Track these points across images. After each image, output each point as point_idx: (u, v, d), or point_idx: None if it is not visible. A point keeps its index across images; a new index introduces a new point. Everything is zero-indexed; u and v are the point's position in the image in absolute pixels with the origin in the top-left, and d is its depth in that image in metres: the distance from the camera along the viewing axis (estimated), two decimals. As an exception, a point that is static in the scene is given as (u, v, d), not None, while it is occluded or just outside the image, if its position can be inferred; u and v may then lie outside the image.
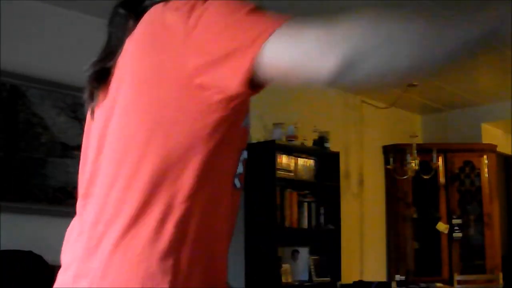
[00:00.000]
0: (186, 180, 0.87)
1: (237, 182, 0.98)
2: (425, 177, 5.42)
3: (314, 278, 4.96)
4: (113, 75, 1.05)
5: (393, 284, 4.75)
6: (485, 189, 5.96)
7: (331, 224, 5.12)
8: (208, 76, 0.85)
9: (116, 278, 0.85)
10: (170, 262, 0.85)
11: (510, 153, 6.81)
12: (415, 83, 5.46)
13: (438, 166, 5.69)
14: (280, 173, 4.78)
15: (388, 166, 5.66)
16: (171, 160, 0.87)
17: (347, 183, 5.71)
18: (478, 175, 6.01)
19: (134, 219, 0.86)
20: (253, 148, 4.79)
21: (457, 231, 5.84)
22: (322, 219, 5.15)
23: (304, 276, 4.96)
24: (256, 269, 4.68)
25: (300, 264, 4.96)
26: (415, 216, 6.01)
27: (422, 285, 4.98)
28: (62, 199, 3.69)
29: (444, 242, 5.86)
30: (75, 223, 1.10)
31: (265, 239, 4.64)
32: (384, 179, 6.15)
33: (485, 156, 6.01)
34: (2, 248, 3.25)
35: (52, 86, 3.74)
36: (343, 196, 5.40)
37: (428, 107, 6.50)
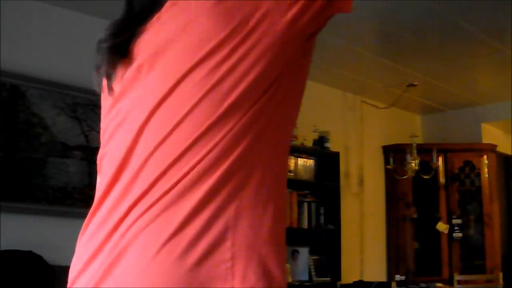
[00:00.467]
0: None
1: None
2: (425, 177, 5.42)
3: (314, 278, 4.96)
4: (141, 44, 0.92)
5: (393, 284, 4.75)
6: (485, 189, 5.96)
7: (331, 224, 5.12)
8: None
9: None
10: None
11: (510, 153, 6.81)
12: (415, 83, 5.47)
13: (438, 166, 5.69)
14: (280, 173, 4.77)
15: (388, 166, 5.66)
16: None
17: (347, 183, 5.71)
18: (478, 175, 6.01)
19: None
20: (253, 148, 4.79)
21: (457, 231, 5.84)
22: (322, 219, 5.15)
23: (304, 276, 4.96)
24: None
25: (300, 264, 4.97)
26: (415, 216, 6.01)
27: (422, 285, 4.98)
28: (62, 199, 3.69)
29: (444, 242, 5.86)
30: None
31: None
32: (384, 179, 6.15)
33: (485, 156, 6.01)
34: (2, 248, 3.25)
35: (52, 86, 3.74)
36: (343, 196, 5.40)
37: (428, 107, 6.50)
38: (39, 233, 3.55)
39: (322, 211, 5.16)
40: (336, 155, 5.30)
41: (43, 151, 3.67)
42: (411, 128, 6.42)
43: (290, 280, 4.81)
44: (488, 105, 6.31)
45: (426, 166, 5.39)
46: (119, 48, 0.95)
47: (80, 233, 0.93)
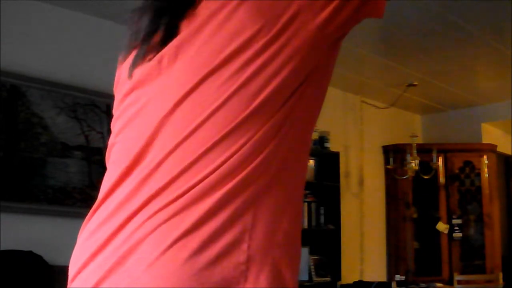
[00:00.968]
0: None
1: None
2: (425, 177, 5.42)
3: (314, 278, 4.96)
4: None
5: (393, 284, 4.75)
6: (485, 189, 5.96)
7: (331, 224, 5.12)
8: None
9: None
10: None
11: (510, 153, 6.81)
12: (415, 83, 5.47)
13: (438, 166, 5.69)
14: (280, 173, 4.77)
15: (388, 166, 5.66)
16: None
17: (347, 183, 5.71)
18: (478, 175, 6.01)
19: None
20: (253, 148, 4.79)
21: (457, 231, 5.84)
22: (322, 219, 5.16)
23: (304, 276, 4.96)
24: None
25: (300, 264, 4.96)
26: (415, 216, 6.01)
27: (422, 285, 4.98)
28: (62, 199, 3.69)
29: (444, 242, 5.85)
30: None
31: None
32: (384, 179, 6.15)
33: (485, 156, 6.01)
34: (2, 248, 3.25)
35: (52, 86, 3.74)
36: (343, 196, 5.40)
37: (428, 107, 6.50)
38: (39, 233, 3.55)
39: (322, 211, 5.16)
40: (336, 155, 5.30)
41: (43, 151, 3.67)
42: (411, 128, 6.42)
43: (290, 280, 4.81)
44: (488, 105, 6.31)
45: (426, 166, 5.39)
46: (168, 33, 0.88)
47: (84, 224, 0.90)
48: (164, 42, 0.87)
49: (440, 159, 5.83)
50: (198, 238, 0.76)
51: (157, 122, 0.83)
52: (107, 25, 4.09)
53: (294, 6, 0.81)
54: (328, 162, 5.27)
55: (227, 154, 0.78)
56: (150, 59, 0.88)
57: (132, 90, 0.92)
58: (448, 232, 5.85)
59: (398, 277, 5.07)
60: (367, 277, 5.44)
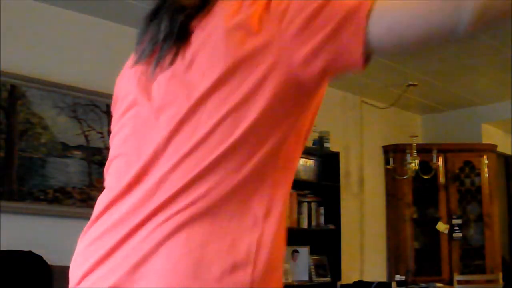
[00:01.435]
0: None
1: None
2: (425, 177, 5.41)
3: (314, 278, 4.96)
4: (194, 36, 0.93)
5: (393, 284, 4.75)
6: (485, 189, 5.96)
7: (331, 224, 5.12)
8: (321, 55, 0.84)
9: None
10: None
11: (510, 153, 6.80)
12: (415, 83, 5.47)
13: (438, 166, 5.69)
14: (280, 173, 4.77)
15: (388, 166, 5.66)
16: None
17: (347, 183, 5.71)
18: (478, 175, 6.01)
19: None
20: (253, 148, 4.79)
21: (457, 231, 5.84)
22: (322, 219, 5.15)
23: (304, 276, 4.96)
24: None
25: (300, 264, 4.96)
26: (415, 216, 6.01)
27: (422, 285, 4.98)
28: (62, 199, 3.69)
29: (444, 242, 5.85)
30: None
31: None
32: (384, 179, 6.15)
33: (485, 156, 6.00)
34: (2, 248, 3.25)
35: (52, 86, 3.74)
36: (343, 196, 5.40)
37: (428, 107, 6.50)
38: (39, 233, 3.55)
39: (322, 211, 5.16)
40: (336, 155, 5.30)
41: (43, 151, 3.67)
42: (411, 128, 6.42)
43: (290, 280, 4.81)
44: (488, 105, 6.31)
45: (426, 166, 5.39)
46: (181, 32, 0.94)
47: (84, 232, 0.93)
48: (171, 62, 0.93)
49: (440, 159, 5.83)
50: (208, 255, 0.81)
51: (160, 140, 0.88)
52: (107, 25, 4.09)
53: (276, 44, 0.85)
54: (328, 162, 5.26)
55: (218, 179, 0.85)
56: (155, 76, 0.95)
57: (133, 105, 0.97)
58: (448, 232, 5.85)
59: (398, 277, 5.07)
60: (367, 277, 5.44)
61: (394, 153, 5.68)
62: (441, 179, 5.94)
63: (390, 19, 0.80)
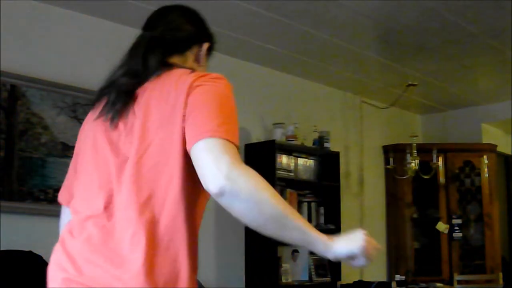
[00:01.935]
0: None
1: None
2: (425, 177, 5.41)
3: (314, 278, 4.96)
4: (139, 98, 1.39)
5: (393, 284, 4.75)
6: (485, 189, 5.96)
7: (331, 224, 5.12)
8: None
9: None
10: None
11: (510, 153, 6.81)
12: (415, 83, 5.47)
13: (438, 166, 5.69)
14: (280, 173, 4.78)
15: (388, 166, 5.65)
16: None
17: (347, 183, 5.71)
18: (478, 175, 6.01)
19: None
20: (253, 148, 4.79)
21: (457, 231, 5.84)
22: (322, 219, 5.15)
23: (304, 276, 4.96)
24: (256, 269, 4.68)
25: (300, 264, 4.96)
26: (415, 216, 6.01)
27: (422, 285, 4.98)
28: (62, 199, 3.69)
29: (444, 242, 5.85)
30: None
31: (265, 239, 4.62)
32: (384, 179, 6.15)
33: (485, 156, 6.00)
34: (2, 248, 3.25)
35: (52, 86, 3.74)
36: (343, 196, 5.39)
37: (428, 107, 6.50)
38: (39, 233, 3.54)
39: (322, 211, 5.16)
40: (336, 155, 5.30)
41: (43, 151, 3.67)
42: (411, 128, 6.41)
43: (290, 280, 4.81)
44: (488, 105, 6.31)
45: (426, 166, 5.39)
46: (127, 92, 1.43)
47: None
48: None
49: (440, 159, 5.83)
50: None
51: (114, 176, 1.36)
52: (107, 25, 4.09)
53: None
54: (328, 162, 5.26)
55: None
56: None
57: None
58: (448, 232, 5.85)
59: (398, 277, 5.07)
60: (367, 277, 5.44)
61: (394, 153, 5.68)
62: (441, 179, 5.94)
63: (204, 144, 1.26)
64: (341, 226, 5.18)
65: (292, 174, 4.95)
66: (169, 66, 1.41)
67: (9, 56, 3.56)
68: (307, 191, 5.09)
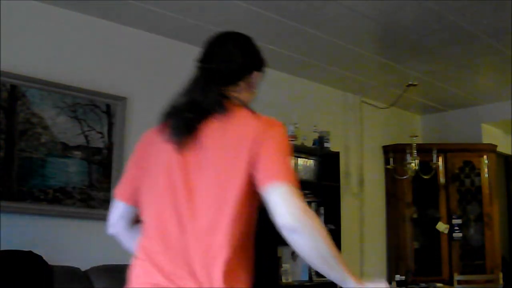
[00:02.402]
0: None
1: None
2: (425, 177, 5.41)
3: (314, 278, 4.96)
4: (206, 131, 1.54)
5: (393, 284, 4.75)
6: (485, 189, 5.96)
7: (331, 224, 5.12)
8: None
9: None
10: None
11: (510, 153, 6.81)
12: (415, 83, 5.47)
13: (438, 166, 5.69)
14: (280, 173, 4.77)
15: (388, 166, 5.66)
16: None
17: (347, 183, 5.71)
18: (478, 175, 6.01)
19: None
20: (253, 148, 4.79)
21: (457, 231, 5.84)
22: (322, 219, 5.15)
23: (304, 276, 4.96)
24: (256, 269, 4.67)
25: (300, 264, 4.97)
26: (415, 216, 6.01)
27: (422, 285, 4.98)
28: (62, 199, 3.69)
29: (444, 242, 5.86)
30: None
31: (265, 239, 4.63)
32: (384, 179, 6.15)
33: (485, 156, 6.00)
34: (2, 248, 3.25)
35: (52, 86, 3.74)
36: (343, 196, 5.40)
37: (428, 107, 6.50)
38: (39, 233, 3.55)
39: (322, 211, 5.16)
40: (336, 155, 5.30)
41: (43, 151, 3.67)
42: (411, 128, 6.42)
43: (290, 280, 4.81)
44: (488, 105, 6.31)
45: (426, 166, 5.39)
46: (190, 126, 1.56)
47: None
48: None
49: (440, 159, 5.83)
50: None
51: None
52: (107, 25, 4.09)
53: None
54: (328, 162, 5.26)
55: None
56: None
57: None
58: (448, 232, 5.85)
59: (398, 277, 5.07)
60: (367, 277, 5.43)
61: (394, 153, 5.68)
62: (441, 179, 5.94)
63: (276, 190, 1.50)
64: (341, 226, 5.17)
65: (292, 174, 4.94)
66: (227, 98, 1.60)
67: (9, 56, 3.56)
68: (307, 191, 5.09)
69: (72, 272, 3.35)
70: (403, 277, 5.07)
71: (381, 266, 5.99)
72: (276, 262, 4.67)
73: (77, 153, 3.82)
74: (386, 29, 4.31)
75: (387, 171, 5.97)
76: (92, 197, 3.77)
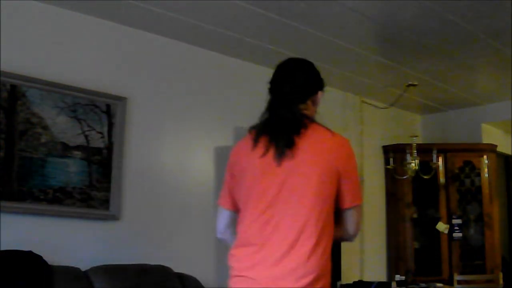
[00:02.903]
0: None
1: None
2: (425, 177, 5.41)
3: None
4: (297, 145, 1.88)
5: (393, 284, 4.75)
6: (485, 189, 5.96)
7: (331, 224, 5.12)
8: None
9: None
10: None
11: (510, 153, 6.81)
12: (415, 83, 5.47)
13: (438, 166, 5.69)
14: (280, 173, 4.77)
15: (388, 166, 5.66)
16: None
17: (347, 183, 5.70)
18: (478, 175, 6.01)
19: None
20: (253, 148, 4.79)
21: (457, 231, 5.84)
22: (322, 219, 5.15)
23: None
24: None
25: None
26: (415, 216, 6.01)
27: (422, 285, 4.98)
28: (62, 199, 3.69)
29: (444, 242, 5.85)
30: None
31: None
32: (384, 179, 6.15)
33: (485, 156, 6.00)
34: (2, 248, 3.25)
35: (52, 86, 3.74)
36: (343, 196, 5.38)
37: (428, 107, 6.50)
38: (39, 233, 3.55)
39: (322, 211, 5.16)
40: (336, 155, 5.29)
41: (43, 151, 3.67)
42: (411, 128, 6.42)
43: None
44: (488, 105, 6.31)
45: (426, 166, 5.39)
46: (288, 143, 1.89)
47: None
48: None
49: (440, 159, 5.83)
50: None
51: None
52: (107, 25, 4.09)
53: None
54: (328, 162, 5.25)
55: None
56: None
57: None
58: (448, 232, 5.85)
59: (398, 277, 5.07)
60: (367, 277, 5.44)
61: (394, 153, 5.68)
62: (441, 179, 5.94)
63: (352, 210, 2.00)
64: (341, 226, 5.17)
65: (292, 174, 4.94)
66: (304, 115, 1.98)
67: (9, 56, 3.56)
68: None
69: (72, 272, 3.34)
70: (403, 277, 5.07)
71: (381, 266, 5.99)
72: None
73: (77, 153, 3.82)
74: (386, 29, 4.31)
75: (387, 171, 5.97)
76: (92, 197, 3.76)
